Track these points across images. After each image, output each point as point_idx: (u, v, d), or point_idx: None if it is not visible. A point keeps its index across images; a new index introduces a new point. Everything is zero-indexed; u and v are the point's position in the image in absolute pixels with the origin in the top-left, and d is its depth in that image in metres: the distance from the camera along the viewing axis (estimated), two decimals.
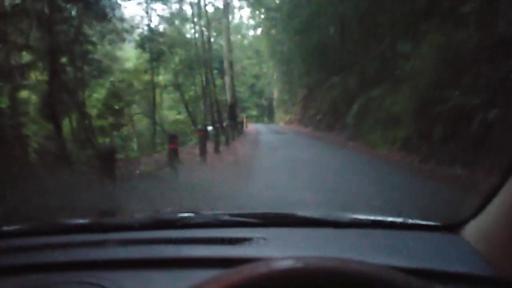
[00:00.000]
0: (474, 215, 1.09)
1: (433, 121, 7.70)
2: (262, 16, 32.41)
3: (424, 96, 8.22)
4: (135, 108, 22.18)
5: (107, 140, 15.61)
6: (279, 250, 1.10)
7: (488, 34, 7.43)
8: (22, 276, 1.01)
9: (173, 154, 6.98)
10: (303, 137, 18.16)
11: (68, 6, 11.60)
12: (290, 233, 1.24)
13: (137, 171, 7.08)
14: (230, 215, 1.33)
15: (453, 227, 1.18)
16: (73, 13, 12.23)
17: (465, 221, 1.13)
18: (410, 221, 1.28)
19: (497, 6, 7.57)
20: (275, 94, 42.07)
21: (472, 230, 1.10)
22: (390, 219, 1.31)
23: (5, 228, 1.32)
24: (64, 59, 12.76)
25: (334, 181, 5.90)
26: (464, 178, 5.77)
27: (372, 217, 1.31)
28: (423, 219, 1.28)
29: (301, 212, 1.35)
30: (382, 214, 1.37)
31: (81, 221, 1.39)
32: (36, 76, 13.46)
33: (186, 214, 1.38)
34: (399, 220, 1.29)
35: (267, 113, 47.74)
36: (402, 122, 9.53)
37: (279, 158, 9.79)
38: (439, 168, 6.83)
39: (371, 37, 15.12)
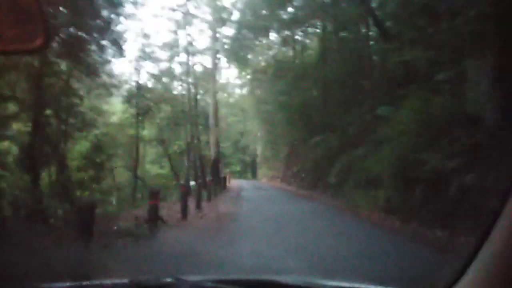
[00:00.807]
0: (456, 280, 1.10)
1: (412, 182, 7.85)
2: (248, 77, 33.65)
3: (403, 158, 8.43)
4: (116, 161, 21.94)
5: (86, 193, 15.23)
6: None
7: (462, 100, 7.87)
8: None
9: (154, 210, 6.83)
10: (286, 195, 18.12)
11: (58, 60, 11.84)
12: None
13: (116, 228, 6.86)
14: (213, 281, 1.30)
15: None
16: (63, 67, 12.46)
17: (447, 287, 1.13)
18: None
19: (468, 75, 8.08)
20: (259, 151, 42.50)
21: None
22: (370, 287, 1.30)
23: None
24: (49, 111, 12.77)
25: (316, 245, 5.83)
26: (444, 240, 5.79)
27: (354, 285, 1.30)
28: (405, 286, 1.28)
29: (285, 279, 1.33)
30: (363, 281, 1.37)
31: (63, 285, 1.34)
32: (19, 127, 13.36)
33: (168, 280, 1.34)
34: None
35: (250, 169, 47.81)
36: (383, 183, 9.67)
37: (261, 217, 9.69)
38: (420, 230, 6.85)
39: (352, 99, 15.77)
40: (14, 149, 13.53)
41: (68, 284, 1.33)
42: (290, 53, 26.02)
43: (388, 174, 9.25)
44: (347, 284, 1.31)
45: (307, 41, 24.47)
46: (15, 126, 13.44)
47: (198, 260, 4.26)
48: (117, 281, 1.36)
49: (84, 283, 1.39)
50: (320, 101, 19.28)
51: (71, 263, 3.31)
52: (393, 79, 12.52)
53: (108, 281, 1.42)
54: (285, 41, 25.26)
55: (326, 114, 18.13)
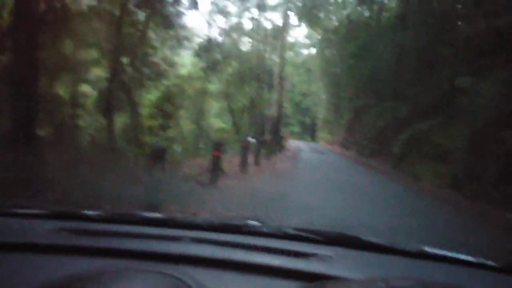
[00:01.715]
0: None
1: (486, 160, 7.34)
2: (319, 37, 32.53)
3: (479, 134, 7.86)
4: (183, 112, 22.85)
5: (155, 139, 16.18)
6: (347, 270, 1.09)
7: None
8: (103, 259, 1.07)
9: (216, 161, 7.10)
10: (345, 160, 17.86)
11: (137, 10, 12.27)
12: (356, 255, 1.24)
13: (181, 173, 7.29)
14: (294, 229, 1.34)
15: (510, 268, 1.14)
16: (141, 17, 12.92)
17: None
18: (478, 260, 1.24)
19: None
20: (321, 114, 41.81)
21: None
22: (458, 255, 1.27)
23: (87, 212, 1.40)
24: (125, 59, 13.45)
25: (378, 215, 5.64)
26: None
27: (440, 251, 1.28)
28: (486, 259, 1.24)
29: (367, 236, 1.34)
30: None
31: (157, 215, 1.46)
32: (98, 72, 14.31)
33: (251, 221, 1.41)
34: (466, 257, 1.25)
35: (309, 131, 47.42)
36: (452, 158, 9.14)
37: (318, 179, 9.69)
38: (488, 211, 6.47)
39: (428, 67, 14.71)
40: (93, 93, 14.61)
41: (165, 216, 1.45)
42: (366, 13, 24.55)
43: (459, 149, 8.71)
44: (430, 250, 1.28)
45: (386, 1, 22.86)
46: (95, 71, 14.42)
47: (255, 207, 4.42)
48: (205, 217, 1.45)
49: (177, 215, 1.50)
50: (393, 67, 18.22)
51: (142, 196, 3.62)
52: (478, 48, 11.41)
53: (190, 216, 1.52)
54: (361, 0, 23.81)
55: (398, 81, 17.17)
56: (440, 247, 1.31)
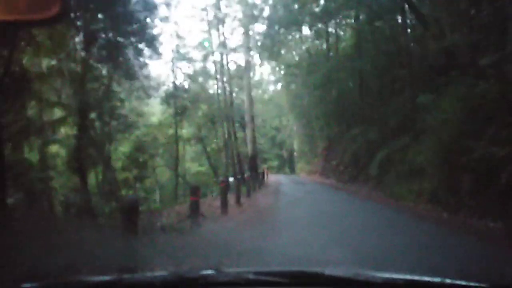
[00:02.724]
0: None
1: (459, 172, 7.52)
2: (282, 72, 33.51)
3: (448, 147, 8.10)
4: (158, 161, 22.62)
5: (131, 192, 15.81)
6: None
7: (509, 85, 7.43)
8: None
9: (195, 206, 6.98)
10: (325, 188, 17.92)
11: (99, 65, 12.32)
12: None
13: (159, 224, 7.07)
14: (255, 273, 1.28)
15: None
16: (104, 71, 12.96)
17: (509, 285, 1.05)
18: (449, 281, 1.19)
19: None
20: (296, 146, 42.32)
21: None
22: (426, 278, 1.22)
23: (24, 286, 1.30)
24: (93, 115, 13.33)
25: (360, 238, 5.64)
26: (497, 231, 5.50)
27: (406, 277, 1.23)
28: (460, 278, 1.19)
29: (330, 271, 1.28)
30: (414, 273, 1.29)
31: (101, 278, 1.36)
32: (65, 131, 14.07)
33: (208, 272, 1.34)
34: (437, 280, 1.20)
35: (288, 164, 47.68)
36: (427, 174, 9.33)
37: (302, 211, 9.62)
38: (469, 221, 6.56)
39: (390, 90, 15.33)
40: (63, 152, 14.27)
41: (109, 277, 1.36)
42: (324, 46, 25.63)
43: (432, 164, 8.92)
44: (397, 276, 1.24)
45: (341, 33, 24.01)
46: (63, 130, 14.17)
47: (239, 253, 4.30)
48: (158, 273, 1.38)
49: (125, 276, 1.41)
50: (357, 93, 18.87)
51: (117, 258, 3.45)
52: (432, 67, 12.04)
53: (149, 274, 1.44)
54: (318, 34, 24.90)
55: (364, 106, 17.73)
56: (413, 271, 1.27)
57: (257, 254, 4.30)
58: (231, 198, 10.52)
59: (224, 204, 9.24)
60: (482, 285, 1.14)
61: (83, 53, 11.51)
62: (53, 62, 11.91)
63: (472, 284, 1.17)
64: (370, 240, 5.35)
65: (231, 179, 15.51)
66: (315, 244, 5.10)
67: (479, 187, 6.92)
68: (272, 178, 28.44)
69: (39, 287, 1.32)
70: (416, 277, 1.23)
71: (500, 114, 7.15)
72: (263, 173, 24.58)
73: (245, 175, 17.64)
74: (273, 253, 4.36)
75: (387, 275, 1.26)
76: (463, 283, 1.18)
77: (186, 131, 26.58)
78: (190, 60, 25.38)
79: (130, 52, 12.01)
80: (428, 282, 1.21)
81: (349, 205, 10.66)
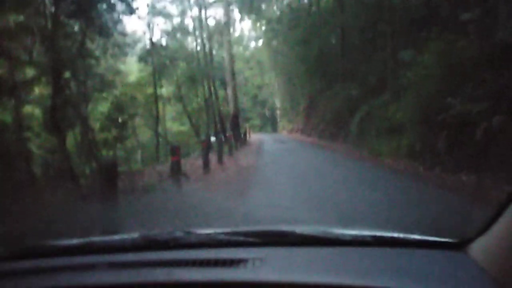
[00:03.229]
0: (481, 232, 1.04)
1: (437, 128, 7.66)
2: (263, 28, 32.68)
3: (427, 104, 8.19)
4: (138, 121, 22.28)
5: (111, 153, 15.64)
6: (276, 272, 1.04)
7: (489, 41, 7.43)
8: None
9: (176, 166, 6.96)
10: (306, 146, 18.13)
11: (70, 21, 11.73)
12: (289, 253, 1.19)
13: (140, 184, 7.07)
14: (226, 234, 1.28)
15: (460, 244, 1.13)
16: (76, 28, 12.36)
17: (472, 238, 1.08)
18: (414, 237, 1.22)
19: (496, 14, 7.58)
20: (278, 104, 42.22)
21: (479, 248, 1.05)
22: (393, 235, 1.24)
23: None
24: (67, 74, 12.86)
25: (338, 194, 5.80)
26: (469, 185, 5.71)
27: (374, 233, 1.25)
28: (428, 233, 1.22)
29: (300, 229, 1.29)
30: (385, 229, 1.32)
31: (70, 242, 1.34)
32: (40, 91, 13.58)
33: (178, 234, 1.32)
34: (403, 236, 1.23)
35: (270, 123, 47.81)
36: (406, 130, 9.49)
37: (282, 168, 9.76)
38: (444, 176, 6.77)
39: (372, 46, 15.18)
40: (38, 113, 13.86)
41: (78, 240, 1.34)
42: (305, 0, 24.94)
43: (411, 120, 9.05)
44: (367, 233, 1.26)
45: None
46: (37, 90, 13.66)
47: (218, 212, 4.36)
48: (127, 236, 1.37)
49: (94, 239, 1.40)
50: (338, 49, 18.65)
51: (96, 220, 3.45)
52: (414, 21, 11.90)
53: (117, 236, 1.43)
54: None
55: (346, 63, 17.61)
56: (384, 227, 1.29)
57: (234, 212, 4.36)
58: (213, 158, 10.54)
59: (206, 163, 9.26)
60: (447, 239, 1.18)
61: (52, 8, 10.88)
62: (21, 18, 11.25)
63: (437, 239, 1.20)
64: (345, 196, 5.49)
65: (213, 138, 15.48)
66: (292, 204, 5.20)
67: (454, 143, 7.09)
68: (254, 136, 28.55)
69: (7, 252, 1.29)
70: (385, 233, 1.26)
71: (478, 71, 7.20)
72: (245, 132, 24.59)
73: (228, 134, 17.61)
74: (251, 212, 4.43)
75: (356, 232, 1.28)
76: (429, 238, 1.21)
77: (165, 90, 26.05)
78: (167, 15, 24.42)
79: (102, 7, 11.42)
80: (396, 238, 1.24)
81: (327, 163, 10.85)
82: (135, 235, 1.32)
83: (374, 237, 1.23)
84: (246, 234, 1.27)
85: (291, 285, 0.96)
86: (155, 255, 1.19)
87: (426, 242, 1.21)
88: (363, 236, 1.24)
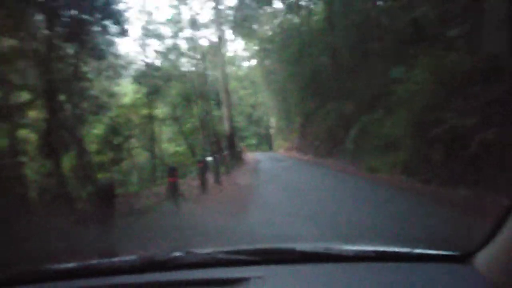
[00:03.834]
0: (484, 244, 1.04)
1: (431, 143, 7.72)
2: (256, 48, 33.10)
3: (420, 119, 8.28)
4: (134, 142, 22.23)
5: (107, 175, 15.54)
6: None
7: (477, 55, 7.58)
8: None
9: (173, 187, 6.93)
10: (302, 164, 18.14)
11: (64, 44, 11.82)
12: (290, 271, 1.17)
13: (137, 206, 7.01)
14: (225, 252, 1.27)
15: (464, 256, 1.12)
16: (70, 51, 12.46)
17: (475, 251, 1.08)
18: (418, 251, 1.22)
19: (483, 30, 7.75)
20: (273, 123, 42.37)
21: (483, 260, 1.04)
22: (396, 249, 1.24)
23: None
24: (62, 97, 12.88)
25: (336, 211, 5.78)
26: (468, 199, 5.72)
27: (377, 249, 1.24)
28: (430, 247, 1.22)
29: (301, 246, 1.28)
30: (387, 244, 1.32)
31: (69, 265, 1.33)
32: (34, 114, 13.56)
33: (178, 254, 1.32)
34: (406, 250, 1.22)
35: (265, 141, 47.87)
36: (400, 146, 9.55)
37: (280, 187, 9.73)
38: (441, 190, 6.79)
39: (363, 63, 15.41)
40: (33, 137, 13.79)
41: (76, 264, 1.33)
42: (296, 20, 25.37)
43: (405, 136, 9.12)
44: (369, 248, 1.25)
45: (312, 6, 23.77)
46: (31, 114, 13.64)
47: (218, 232, 4.32)
48: (126, 258, 1.35)
49: (92, 262, 1.38)
50: (330, 67, 18.90)
51: (94, 243, 3.40)
52: (403, 39, 12.14)
53: (116, 259, 1.41)
54: (289, 8, 24.59)
55: (338, 81, 17.81)
56: (384, 242, 1.29)
57: (233, 232, 4.33)
58: (210, 178, 10.50)
59: (203, 184, 9.23)
60: (450, 252, 1.17)
61: (46, 32, 10.98)
62: (15, 43, 11.32)
63: (440, 252, 1.20)
64: (343, 214, 5.47)
65: (209, 158, 15.45)
66: (291, 222, 5.17)
67: (449, 157, 7.13)
68: (250, 156, 28.53)
69: (3, 278, 1.28)
70: (386, 248, 1.25)
71: (468, 85, 7.32)
72: (241, 152, 24.58)
73: (224, 154, 17.60)
74: (249, 232, 4.39)
75: (357, 247, 1.27)
76: (432, 252, 1.21)
77: (161, 111, 26.09)
78: (160, 37, 24.68)
79: (95, 30, 11.56)
80: (398, 252, 1.24)
81: (324, 180, 10.85)
82: (133, 257, 1.31)
83: (377, 252, 1.23)
84: (245, 252, 1.26)
85: None
86: (154, 276, 1.18)
87: (429, 256, 1.20)
88: (365, 252, 1.24)
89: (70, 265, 1.35)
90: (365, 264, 1.19)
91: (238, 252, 1.27)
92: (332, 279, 1.12)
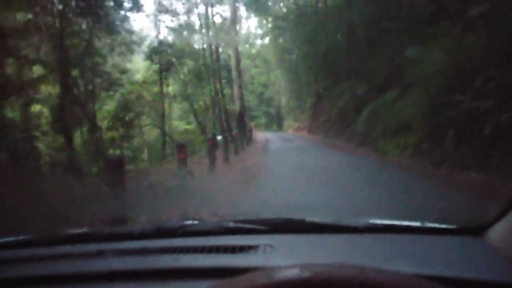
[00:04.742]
0: (498, 218, 1.03)
1: (444, 125, 7.60)
2: (270, 25, 32.62)
3: (434, 101, 8.13)
4: (145, 119, 22.37)
5: (118, 151, 15.74)
6: (287, 258, 1.03)
7: (497, 37, 7.34)
8: None
9: (182, 163, 6.98)
10: (312, 144, 18.08)
11: (78, 20, 11.80)
12: (299, 240, 1.17)
13: (147, 181, 7.10)
14: (235, 221, 1.27)
15: (475, 230, 1.11)
16: (83, 26, 12.44)
17: (488, 225, 1.06)
18: (429, 224, 1.20)
19: (505, 10, 7.48)
20: (284, 102, 42.12)
21: (496, 234, 1.03)
22: (407, 223, 1.23)
23: (3, 240, 1.30)
24: (74, 72, 12.94)
25: (346, 189, 5.79)
26: (479, 182, 5.65)
27: (388, 221, 1.23)
28: (441, 223, 1.21)
29: (311, 218, 1.28)
30: (398, 219, 1.30)
31: (80, 231, 1.36)
32: (47, 89, 13.68)
33: (188, 222, 1.32)
34: (417, 224, 1.21)
35: (276, 121, 47.73)
36: (412, 128, 9.42)
37: (289, 166, 9.74)
38: (452, 173, 6.71)
39: (378, 43, 15.07)
40: (46, 112, 13.96)
41: (87, 229, 1.36)
42: None
43: (418, 118, 8.98)
44: (379, 221, 1.24)
45: None
46: (44, 89, 13.76)
47: (225, 205, 4.36)
48: (136, 224, 1.38)
49: (104, 228, 1.41)
50: (345, 46, 18.54)
51: (103, 214, 3.47)
52: (421, 18, 11.79)
53: (127, 225, 1.44)
54: None
55: (352, 60, 17.50)
56: (392, 217, 1.28)
57: (241, 207, 4.36)
58: (219, 156, 10.55)
59: (212, 161, 9.27)
60: (465, 226, 1.17)
61: (60, 6, 10.95)
62: (29, 17, 11.34)
63: (452, 226, 1.18)
64: (352, 192, 5.46)
65: (219, 137, 15.49)
66: (300, 199, 5.18)
67: (463, 140, 7.02)
68: (259, 135, 28.52)
69: (17, 241, 1.31)
70: (396, 222, 1.24)
71: (486, 67, 7.12)
72: (250, 131, 24.59)
73: (233, 133, 17.61)
74: (256, 205, 4.42)
75: (367, 220, 1.26)
76: (444, 226, 1.19)
77: (172, 88, 26.10)
78: (173, 13, 24.44)
79: (109, 5, 11.48)
80: (408, 226, 1.22)
81: (334, 160, 10.80)
82: (144, 224, 1.33)
83: (385, 225, 1.21)
84: (255, 222, 1.25)
85: None
86: (163, 242, 1.18)
87: (440, 229, 1.19)
88: (376, 224, 1.23)
89: (82, 230, 1.38)
90: (377, 235, 1.18)
91: (247, 221, 1.27)
92: (343, 248, 1.11)
